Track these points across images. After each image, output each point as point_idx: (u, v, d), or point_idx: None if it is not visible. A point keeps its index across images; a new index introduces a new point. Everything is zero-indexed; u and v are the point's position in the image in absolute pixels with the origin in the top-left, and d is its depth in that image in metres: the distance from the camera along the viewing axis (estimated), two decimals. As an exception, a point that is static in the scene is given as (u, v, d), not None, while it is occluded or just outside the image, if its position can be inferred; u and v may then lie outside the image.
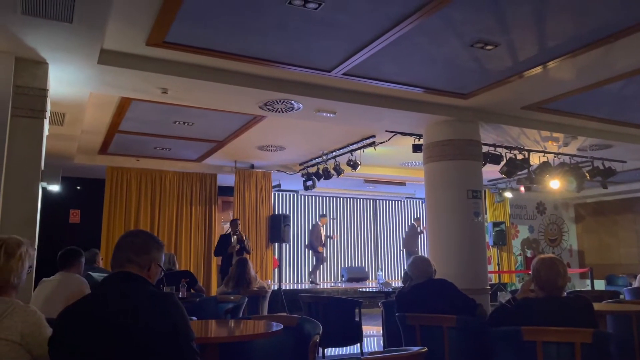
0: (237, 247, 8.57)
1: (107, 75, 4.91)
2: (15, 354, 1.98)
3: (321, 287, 11.39)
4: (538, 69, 5.20)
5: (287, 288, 10.72)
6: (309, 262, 13.20)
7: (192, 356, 1.86)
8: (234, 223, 8.92)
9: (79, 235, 10.03)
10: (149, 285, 1.96)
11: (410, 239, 13.03)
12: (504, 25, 4.27)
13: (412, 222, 13.53)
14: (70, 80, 5.02)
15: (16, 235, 2.29)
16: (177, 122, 7.23)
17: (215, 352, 2.49)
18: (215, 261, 10.09)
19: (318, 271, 12.52)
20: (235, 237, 8.74)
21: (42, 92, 4.56)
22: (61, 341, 1.80)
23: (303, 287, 11.29)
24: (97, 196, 9.70)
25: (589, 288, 11.65)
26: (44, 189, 4.81)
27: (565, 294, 2.93)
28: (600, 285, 12.38)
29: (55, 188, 4.89)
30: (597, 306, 3.17)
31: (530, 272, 3.00)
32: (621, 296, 6.24)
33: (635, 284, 7.11)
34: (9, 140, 4.32)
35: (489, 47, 4.66)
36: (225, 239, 8.86)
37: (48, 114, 4.81)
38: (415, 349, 2.03)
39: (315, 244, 12.24)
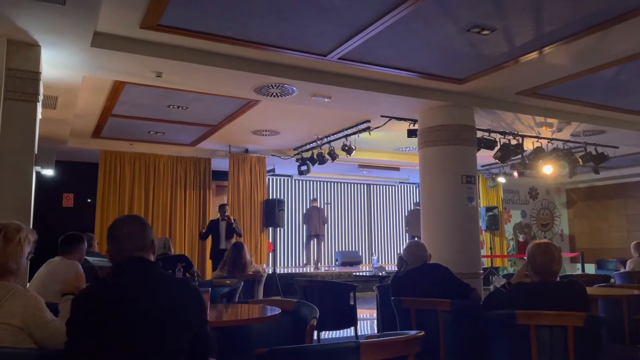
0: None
1: (101, 58, 4.85)
2: (16, 338, 1.99)
3: (315, 271, 11.46)
4: (534, 55, 5.20)
5: (282, 272, 10.78)
6: (303, 246, 13.26)
7: (207, 341, 1.93)
8: (221, 208, 8.96)
9: (72, 219, 9.99)
10: (160, 269, 1.99)
11: (415, 223, 13.01)
12: (501, 10, 4.25)
13: (415, 206, 13.48)
14: (63, 63, 4.95)
15: (10, 219, 2.28)
16: (171, 106, 7.18)
17: (214, 337, 2.51)
18: (210, 246, 10.11)
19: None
20: (224, 222, 8.79)
21: (35, 75, 4.51)
22: (82, 325, 1.78)
23: (297, 271, 11.36)
24: (91, 180, 9.65)
25: (579, 272, 11.80)
26: (37, 173, 4.77)
27: (558, 278, 2.98)
28: (590, 269, 12.54)
29: (49, 172, 4.86)
30: (588, 290, 3.22)
31: (523, 257, 3.04)
32: (612, 280, 6.33)
33: (625, 269, 7.21)
34: (1, 123, 4.28)
35: (485, 32, 4.65)
36: (213, 224, 8.91)
37: (41, 97, 4.76)
38: (412, 332, 2.05)
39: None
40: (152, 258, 2.01)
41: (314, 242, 12.48)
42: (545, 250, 2.89)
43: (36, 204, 4.70)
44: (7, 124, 4.34)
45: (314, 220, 12.27)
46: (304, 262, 12.33)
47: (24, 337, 2.01)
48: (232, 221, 8.82)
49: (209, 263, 10.09)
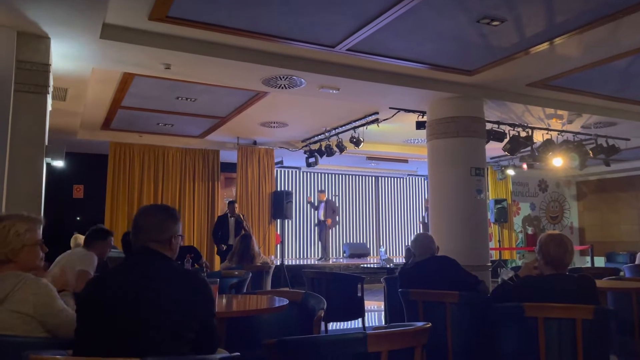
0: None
1: (110, 50, 4.87)
2: (28, 327, 2.02)
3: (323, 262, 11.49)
4: (544, 46, 5.14)
5: (290, 263, 10.82)
6: (311, 238, 13.28)
7: (214, 334, 1.91)
8: (231, 205, 8.97)
9: (82, 210, 10.08)
10: (170, 261, 1.98)
11: None
12: (511, 0, 4.20)
13: None
14: (73, 55, 4.98)
15: (21, 210, 2.29)
16: (180, 98, 7.20)
17: (222, 327, 2.53)
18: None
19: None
20: (232, 218, 8.82)
21: (45, 67, 4.53)
22: (87, 313, 1.81)
23: (305, 263, 11.39)
24: (101, 172, 9.72)
25: (589, 265, 11.73)
26: (47, 165, 4.81)
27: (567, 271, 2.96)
28: (600, 262, 12.46)
29: (59, 164, 4.90)
30: (598, 283, 3.20)
31: (532, 250, 3.02)
32: (621, 273, 6.29)
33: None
34: (12, 115, 4.31)
35: (495, 23, 4.60)
36: (221, 220, 8.93)
37: (51, 89, 4.79)
38: (420, 324, 2.05)
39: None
40: (168, 254, 1.98)
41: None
42: (559, 242, 2.86)
43: (47, 195, 4.74)
44: (18, 116, 4.38)
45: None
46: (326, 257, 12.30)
47: (36, 326, 2.04)
48: (242, 219, 8.87)
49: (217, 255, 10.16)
